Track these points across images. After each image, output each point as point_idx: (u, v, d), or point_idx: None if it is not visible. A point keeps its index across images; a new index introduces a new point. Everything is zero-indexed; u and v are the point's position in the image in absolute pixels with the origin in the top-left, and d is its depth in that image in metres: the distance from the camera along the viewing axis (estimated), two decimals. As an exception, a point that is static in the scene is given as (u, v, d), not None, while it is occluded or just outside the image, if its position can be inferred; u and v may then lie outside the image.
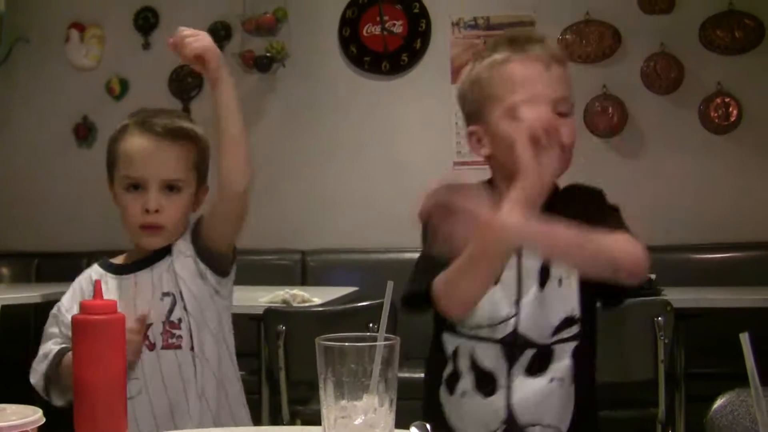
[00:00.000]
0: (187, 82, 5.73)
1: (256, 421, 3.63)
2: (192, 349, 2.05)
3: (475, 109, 1.94)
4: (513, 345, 1.87)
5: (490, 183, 2.04)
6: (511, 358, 1.86)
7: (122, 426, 1.38)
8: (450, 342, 1.93)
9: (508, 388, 1.86)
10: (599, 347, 1.97)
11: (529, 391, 1.85)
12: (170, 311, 2.07)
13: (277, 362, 3.45)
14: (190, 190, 2.13)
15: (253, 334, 3.74)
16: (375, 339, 1.21)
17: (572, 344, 1.88)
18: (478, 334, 1.89)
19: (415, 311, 1.93)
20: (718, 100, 5.12)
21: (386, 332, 1.24)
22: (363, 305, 3.41)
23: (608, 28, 5.26)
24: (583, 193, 1.94)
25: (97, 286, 1.45)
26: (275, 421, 3.60)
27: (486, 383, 1.87)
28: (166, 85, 5.74)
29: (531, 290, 1.88)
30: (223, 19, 5.67)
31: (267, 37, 5.50)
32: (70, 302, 2.15)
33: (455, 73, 5.42)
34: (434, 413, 1.95)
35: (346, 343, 1.20)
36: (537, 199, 1.70)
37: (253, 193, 5.78)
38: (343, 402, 1.20)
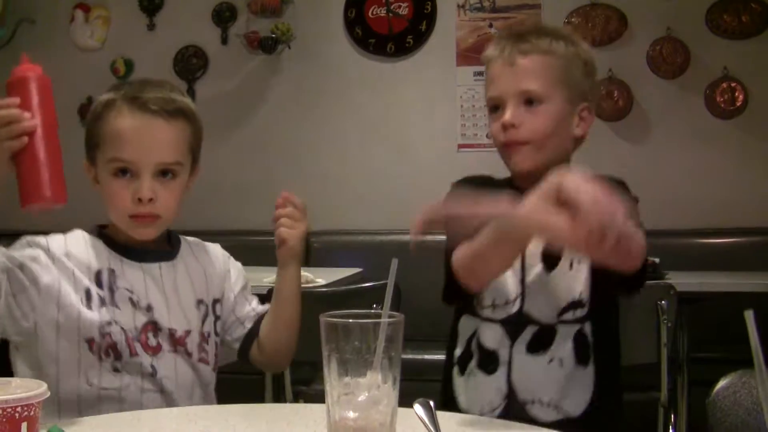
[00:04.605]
0: (192, 62, 5.72)
1: (259, 401, 3.65)
2: (214, 369, 1.95)
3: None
4: (516, 323, 1.91)
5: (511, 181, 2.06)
6: (513, 336, 1.91)
7: (58, 168, 1.61)
8: (468, 324, 2.00)
9: (509, 364, 1.91)
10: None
11: (528, 368, 1.90)
12: (203, 322, 1.93)
13: (280, 342, 3.45)
14: (185, 175, 1.92)
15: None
16: (379, 316, 1.21)
17: (575, 327, 1.92)
18: (482, 314, 1.95)
19: (455, 301, 2.05)
20: (724, 85, 5.10)
21: (390, 311, 1.24)
22: (367, 286, 3.42)
23: (614, 11, 5.24)
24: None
25: (22, 58, 1.62)
26: (278, 401, 3.61)
27: (489, 362, 1.93)
28: (171, 65, 5.73)
29: (534, 270, 1.92)
30: (228, 0, 5.67)
31: (272, 18, 5.48)
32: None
33: (460, 55, 5.42)
34: (446, 394, 2.02)
35: (350, 320, 1.21)
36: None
37: (257, 174, 5.78)
38: (347, 379, 1.20)
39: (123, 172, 1.85)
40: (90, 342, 1.79)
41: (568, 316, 1.91)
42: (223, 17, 5.69)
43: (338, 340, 1.20)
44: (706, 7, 5.16)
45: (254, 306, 2.06)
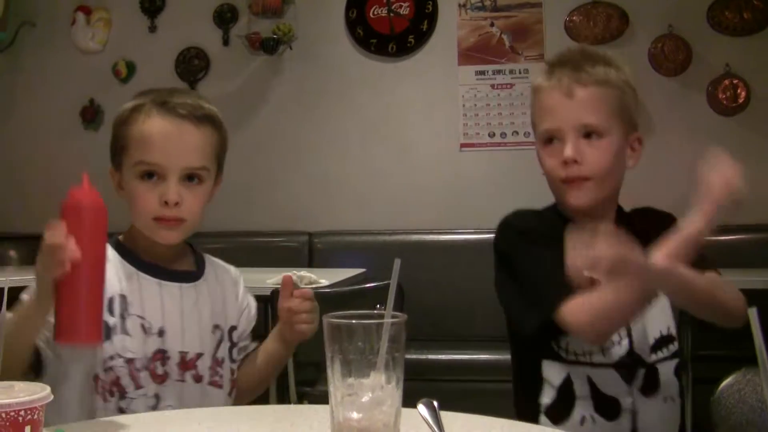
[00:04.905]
0: (193, 64, 5.73)
1: (263, 402, 3.65)
2: (230, 393, 1.94)
3: (532, 126, 2.02)
4: (627, 365, 1.87)
5: (555, 207, 2.04)
6: (628, 380, 1.87)
7: (99, 306, 1.48)
8: (555, 369, 1.91)
9: (633, 410, 1.86)
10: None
11: (650, 411, 1.87)
12: (217, 347, 1.92)
13: (284, 344, 3.45)
14: (210, 181, 1.91)
15: (260, 316, 3.73)
16: (382, 317, 1.21)
17: (674, 362, 1.92)
18: (592, 360, 1.88)
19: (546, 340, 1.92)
20: (726, 82, 5.11)
21: (393, 311, 1.24)
22: (370, 286, 3.41)
23: (616, 9, 5.24)
24: (657, 218, 1.95)
25: (84, 179, 1.45)
26: (282, 402, 3.61)
27: (609, 408, 1.87)
28: (173, 67, 5.74)
29: None
30: (229, 1, 5.67)
31: (273, 19, 5.49)
32: None
33: (462, 54, 5.42)
34: None
35: (353, 321, 1.21)
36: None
37: (260, 175, 5.77)
38: (350, 380, 1.20)
39: (149, 175, 1.84)
40: (95, 380, 1.77)
41: (664, 352, 1.91)
42: (225, 18, 5.69)
43: (341, 341, 1.20)
44: (707, 4, 5.16)
45: (248, 344, 2.06)
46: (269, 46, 5.47)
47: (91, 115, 5.81)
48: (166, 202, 1.82)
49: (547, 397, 1.92)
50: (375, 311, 1.24)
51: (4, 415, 1.11)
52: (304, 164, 5.51)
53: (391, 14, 5.52)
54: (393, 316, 1.21)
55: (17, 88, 5.94)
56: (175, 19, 5.78)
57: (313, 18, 5.56)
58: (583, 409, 1.87)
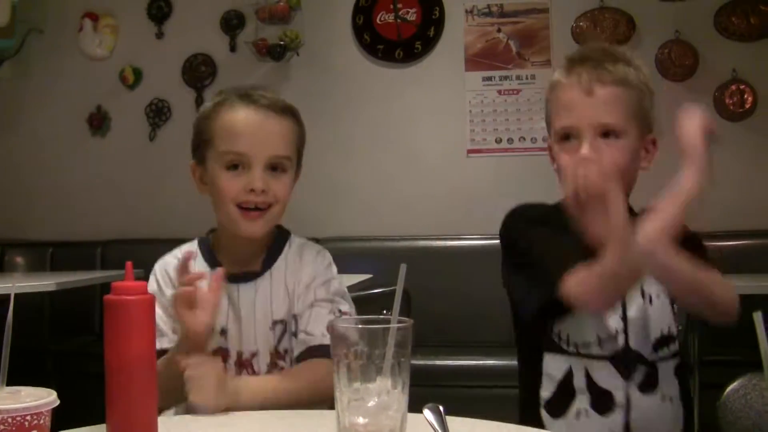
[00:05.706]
0: (200, 70, 5.73)
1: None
2: None
3: (546, 123, 2.00)
4: (625, 360, 1.87)
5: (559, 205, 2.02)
6: (626, 375, 1.86)
7: (153, 405, 1.38)
8: (557, 362, 1.91)
9: (627, 405, 1.86)
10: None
11: (645, 408, 1.86)
12: (279, 340, 1.92)
13: (291, 349, 3.44)
14: (292, 172, 1.95)
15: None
16: (388, 322, 1.21)
17: (674, 362, 1.90)
18: (590, 352, 1.88)
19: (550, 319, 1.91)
20: (733, 87, 5.10)
21: (399, 316, 1.24)
22: (376, 292, 3.41)
23: (623, 15, 5.24)
24: (694, 238, 1.93)
25: (127, 268, 1.39)
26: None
27: (603, 402, 1.86)
28: (180, 73, 5.75)
29: (635, 303, 1.89)
30: (236, 8, 5.68)
31: (280, 25, 5.49)
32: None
33: (469, 60, 5.42)
34: None
35: (360, 326, 1.21)
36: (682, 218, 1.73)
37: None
38: (357, 384, 1.20)
39: (234, 166, 1.88)
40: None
41: (665, 351, 1.89)
42: (232, 25, 5.70)
43: (348, 346, 1.20)
44: (714, 9, 5.16)
45: (311, 330, 1.92)
46: (276, 52, 5.48)
47: (98, 121, 5.82)
48: (252, 190, 1.86)
49: (546, 391, 1.92)
50: (381, 316, 1.24)
51: (10, 420, 1.11)
52: (311, 170, 5.45)
53: (398, 20, 5.53)
54: (399, 321, 1.21)
55: (25, 95, 5.96)
56: (182, 26, 5.79)
57: (320, 24, 5.57)
58: (580, 402, 1.88)
